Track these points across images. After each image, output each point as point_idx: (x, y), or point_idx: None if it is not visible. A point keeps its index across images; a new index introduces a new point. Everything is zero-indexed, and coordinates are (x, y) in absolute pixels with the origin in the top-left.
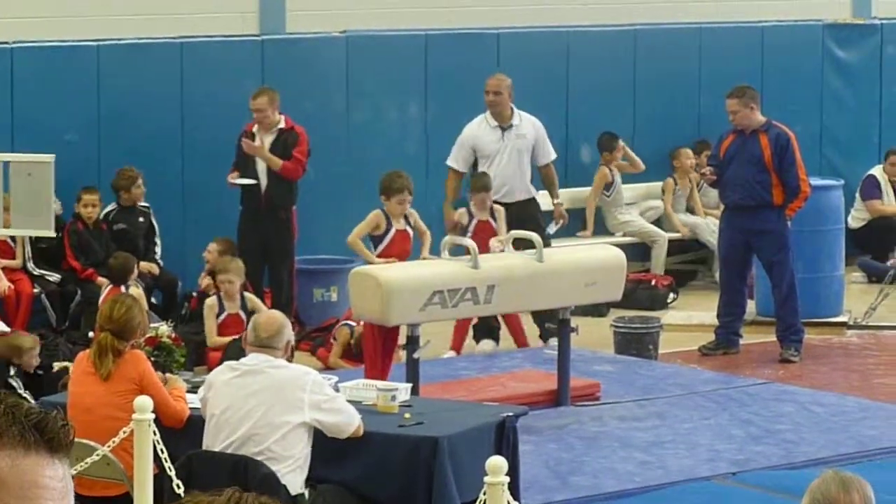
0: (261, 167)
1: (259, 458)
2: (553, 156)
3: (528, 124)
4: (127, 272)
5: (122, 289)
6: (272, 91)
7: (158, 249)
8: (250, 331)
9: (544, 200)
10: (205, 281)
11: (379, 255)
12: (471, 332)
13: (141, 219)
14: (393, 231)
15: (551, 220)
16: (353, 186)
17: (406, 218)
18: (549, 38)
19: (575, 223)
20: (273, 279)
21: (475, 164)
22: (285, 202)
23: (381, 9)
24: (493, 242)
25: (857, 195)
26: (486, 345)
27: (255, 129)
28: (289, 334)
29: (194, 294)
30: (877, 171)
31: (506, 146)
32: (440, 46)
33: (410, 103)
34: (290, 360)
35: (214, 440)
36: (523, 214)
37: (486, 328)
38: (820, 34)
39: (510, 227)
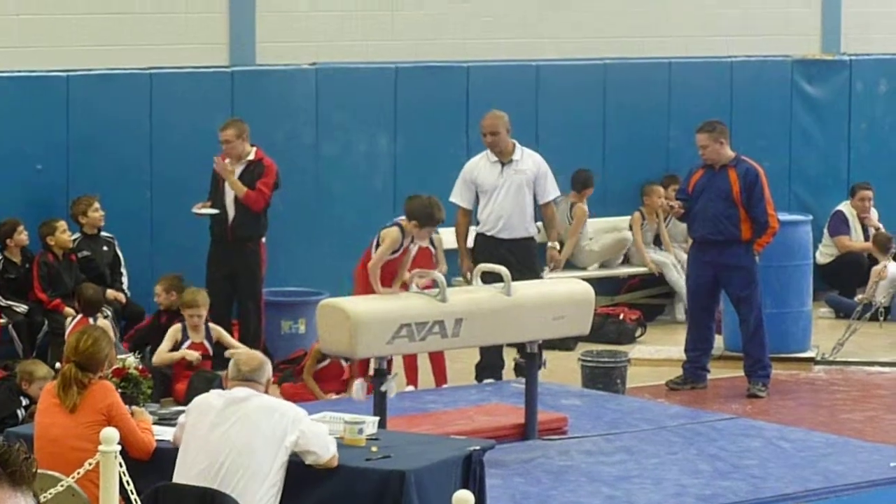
0: (228, 199)
1: (239, 480)
2: (553, 195)
3: (528, 160)
4: (97, 303)
5: (91, 320)
6: (241, 123)
7: (125, 280)
8: (232, 366)
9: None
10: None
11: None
12: (473, 372)
13: (105, 247)
14: (401, 249)
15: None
16: (321, 219)
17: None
18: (519, 72)
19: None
20: (241, 311)
21: (477, 200)
22: (252, 233)
23: (350, 41)
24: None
25: (825, 231)
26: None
27: (227, 160)
28: (269, 372)
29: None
30: (845, 206)
31: (504, 181)
32: (410, 79)
33: (380, 136)
34: None
35: (194, 463)
36: (518, 253)
37: (489, 366)
38: (789, 70)
39: (503, 264)
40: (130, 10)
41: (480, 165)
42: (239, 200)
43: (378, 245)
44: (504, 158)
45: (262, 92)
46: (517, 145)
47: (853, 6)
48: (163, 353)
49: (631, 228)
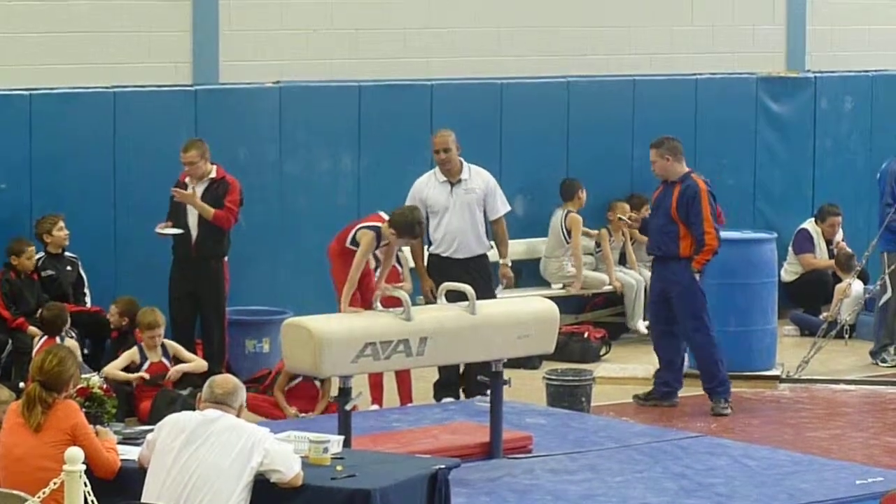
0: (192, 217)
1: (202, 499)
2: (503, 210)
3: (477, 178)
4: (61, 323)
5: (57, 339)
6: (202, 142)
7: (88, 300)
8: (206, 388)
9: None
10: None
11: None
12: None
13: (69, 267)
14: (378, 248)
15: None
16: (285, 237)
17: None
18: (483, 90)
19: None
20: (204, 330)
21: (428, 220)
22: (216, 252)
23: (314, 59)
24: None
25: (790, 248)
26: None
27: (187, 178)
28: (243, 397)
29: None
30: (809, 224)
31: (455, 202)
32: (373, 97)
33: (343, 154)
34: None
35: (162, 482)
36: (475, 270)
37: (447, 385)
38: (754, 87)
39: (461, 282)
40: (93, 28)
41: (430, 185)
42: (202, 219)
43: (354, 238)
44: (453, 178)
45: (225, 110)
46: (464, 164)
47: (818, 24)
48: (114, 370)
49: (599, 245)
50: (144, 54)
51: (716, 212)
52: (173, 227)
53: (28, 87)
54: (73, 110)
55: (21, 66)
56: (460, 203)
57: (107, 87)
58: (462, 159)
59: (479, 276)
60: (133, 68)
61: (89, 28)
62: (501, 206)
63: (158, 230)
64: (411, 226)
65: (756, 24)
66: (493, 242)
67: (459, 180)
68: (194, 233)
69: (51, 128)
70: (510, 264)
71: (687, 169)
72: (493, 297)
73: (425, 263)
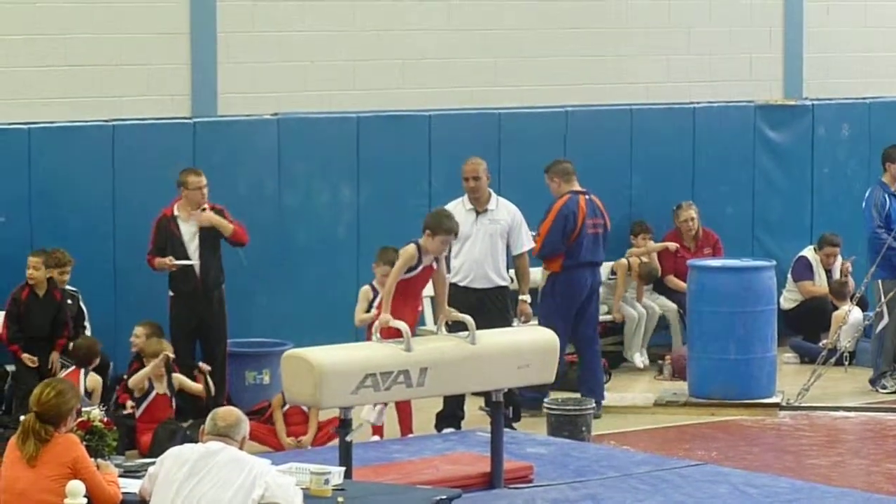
0: (191, 250)
1: None
2: (528, 245)
3: (503, 210)
4: (92, 356)
5: (81, 372)
6: None
7: (88, 332)
8: (209, 421)
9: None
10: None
11: (400, 282)
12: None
13: (69, 300)
14: (421, 267)
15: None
16: (284, 269)
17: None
18: (481, 120)
19: None
20: (207, 361)
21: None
22: (218, 281)
23: (312, 91)
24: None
25: (789, 276)
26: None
27: (175, 211)
28: (245, 430)
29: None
30: (808, 252)
31: (478, 230)
32: (372, 129)
33: (342, 186)
34: None
35: None
36: (490, 303)
37: (450, 416)
38: (752, 115)
39: (475, 314)
40: (92, 62)
41: (456, 211)
42: (201, 250)
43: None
44: (480, 207)
45: (224, 143)
46: (493, 194)
47: (815, 51)
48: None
49: (615, 273)
50: (143, 87)
51: (570, 230)
52: (176, 259)
53: (27, 121)
54: (72, 144)
55: (19, 101)
56: (483, 232)
57: (105, 121)
58: (491, 190)
59: (495, 308)
60: (131, 101)
61: (87, 62)
62: (526, 242)
63: (170, 262)
64: (439, 221)
65: (753, 52)
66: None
67: (486, 210)
68: (196, 265)
69: (50, 162)
70: (529, 300)
71: (575, 189)
72: None
73: None
